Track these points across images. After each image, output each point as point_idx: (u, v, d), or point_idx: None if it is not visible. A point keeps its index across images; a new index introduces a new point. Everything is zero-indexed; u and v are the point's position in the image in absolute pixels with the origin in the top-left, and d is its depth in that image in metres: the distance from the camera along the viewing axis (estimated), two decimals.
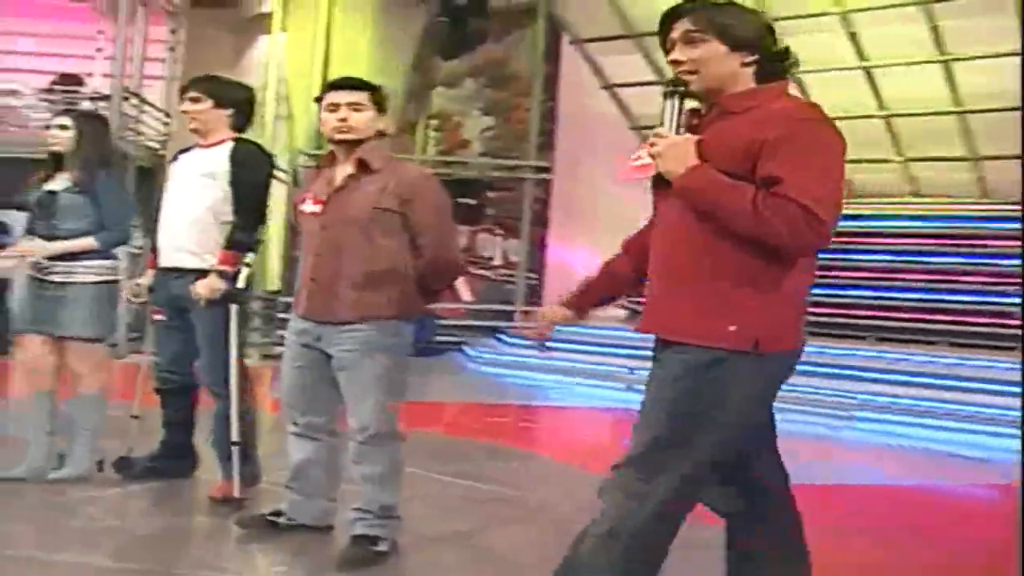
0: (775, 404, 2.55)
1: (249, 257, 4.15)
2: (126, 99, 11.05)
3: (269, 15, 13.26)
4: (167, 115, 12.41)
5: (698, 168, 2.34)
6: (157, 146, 12.31)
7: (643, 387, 2.48)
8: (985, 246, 10.39)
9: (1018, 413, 7.20)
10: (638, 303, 2.60)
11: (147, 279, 4.39)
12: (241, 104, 4.34)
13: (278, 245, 12.23)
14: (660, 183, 2.44)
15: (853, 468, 6.79)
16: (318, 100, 3.63)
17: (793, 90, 2.48)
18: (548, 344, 2.88)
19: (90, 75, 12.33)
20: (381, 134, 3.64)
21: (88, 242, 4.33)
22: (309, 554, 3.56)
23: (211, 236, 4.14)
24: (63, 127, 4.39)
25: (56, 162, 4.41)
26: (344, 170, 3.56)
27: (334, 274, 3.49)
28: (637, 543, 2.35)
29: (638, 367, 8.64)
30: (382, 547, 3.49)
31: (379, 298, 3.47)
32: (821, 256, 2.42)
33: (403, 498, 3.62)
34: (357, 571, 3.39)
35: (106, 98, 11.00)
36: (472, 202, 13.11)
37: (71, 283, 4.31)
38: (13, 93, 12.11)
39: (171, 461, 4.45)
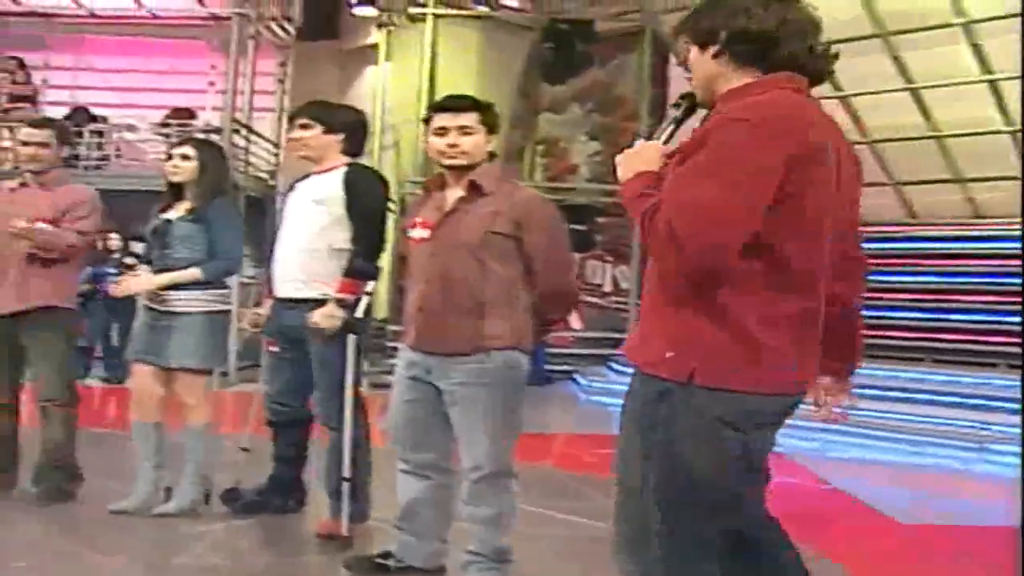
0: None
1: (369, 286, 3.98)
2: (236, 131, 11.25)
3: (374, 46, 13.39)
4: (276, 146, 12.61)
5: (637, 176, 2.07)
6: (267, 176, 12.52)
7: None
8: None
9: None
10: None
11: (266, 309, 4.30)
12: (352, 128, 4.22)
13: (386, 272, 12.23)
14: None
15: (983, 505, 6.32)
16: (426, 121, 3.48)
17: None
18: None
19: (202, 108, 12.60)
20: (492, 155, 3.47)
21: (194, 273, 4.28)
22: None
23: (323, 264, 4.00)
24: (185, 157, 4.34)
25: (174, 192, 4.39)
26: (454, 193, 3.39)
27: (444, 303, 3.30)
28: None
29: None
30: None
31: (492, 328, 3.27)
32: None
33: (516, 538, 3.42)
34: None
35: (217, 130, 11.23)
36: (581, 228, 12.91)
37: (181, 313, 4.26)
38: (131, 128, 12.47)
39: (278, 496, 4.35)
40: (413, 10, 13.03)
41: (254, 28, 11.67)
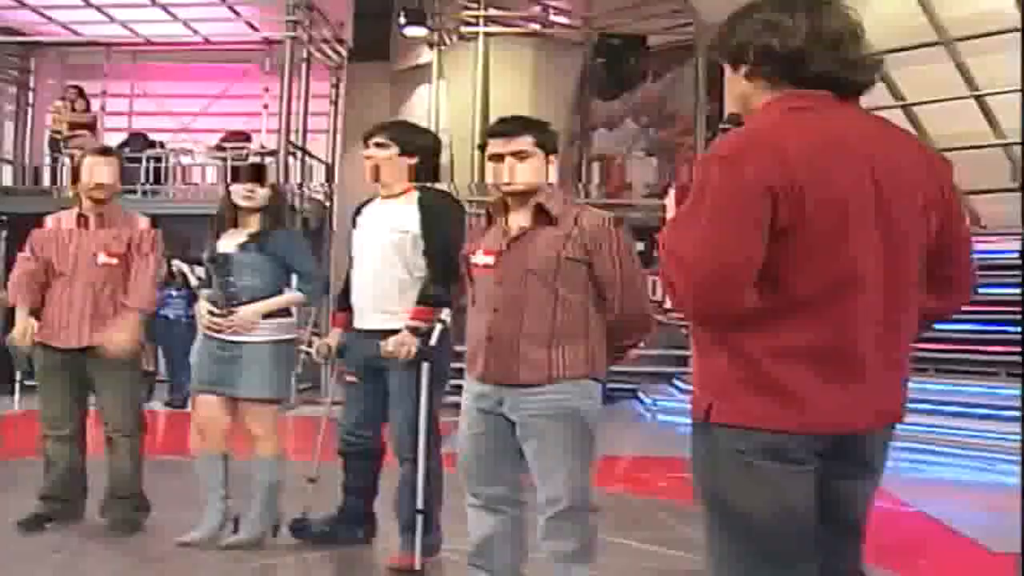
0: None
1: (444, 312, 3.89)
2: (292, 153, 11.29)
3: (427, 65, 13.39)
4: (331, 167, 12.66)
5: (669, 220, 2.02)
6: (322, 198, 12.57)
7: None
8: None
9: None
10: None
11: (334, 338, 4.24)
12: (426, 153, 4.14)
13: None
14: None
15: None
16: (481, 148, 3.37)
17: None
18: None
19: (257, 131, 12.70)
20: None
21: (296, 296, 4.31)
22: None
23: (412, 295, 3.94)
24: (259, 184, 4.29)
25: (227, 218, 4.33)
26: (518, 219, 3.28)
27: (515, 332, 3.18)
28: None
29: None
30: None
31: (566, 357, 3.16)
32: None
33: (593, 568, 3.27)
34: None
35: (272, 153, 11.29)
36: (640, 245, 12.74)
37: (250, 342, 4.22)
38: (188, 152, 12.60)
39: (348, 527, 4.27)
40: (464, 29, 13.01)
41: (306, 51, 11.73)
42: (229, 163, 11.10)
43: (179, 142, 12.81)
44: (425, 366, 3.83)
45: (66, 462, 4.47)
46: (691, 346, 2.08)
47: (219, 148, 12.27)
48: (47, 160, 12.67)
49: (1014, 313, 9.63)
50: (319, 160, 12.45)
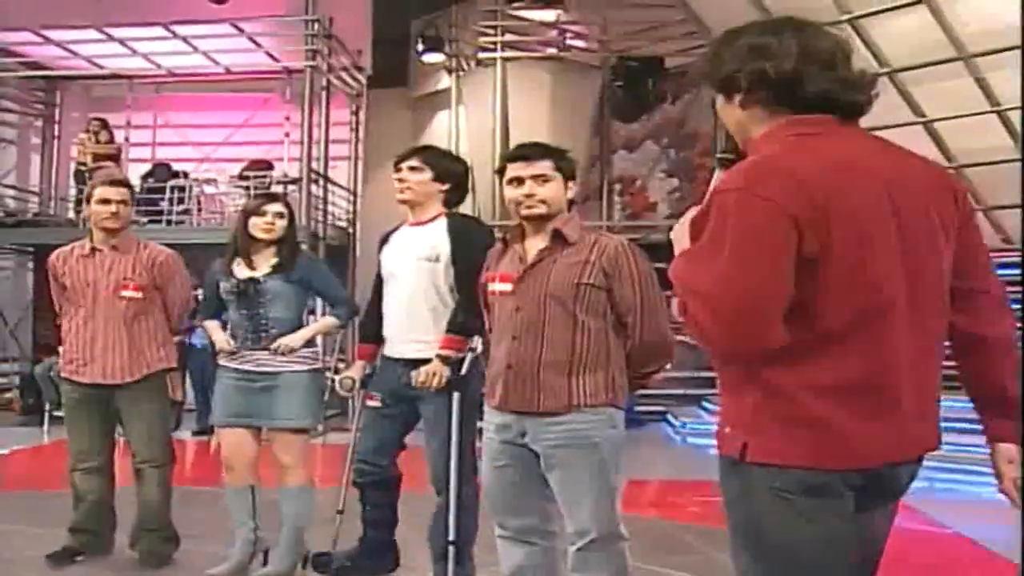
0: None
1: (475, 340, 3.85)
2: (314, 181, 11.35)
3: (446, 91, 13.45)
4: (353, 194, 12.72)
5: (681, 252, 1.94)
6: (345, 224, 12.62)
7: None
8: None
9: None
10: None
11: (358, 370, 4.22)
12: (458, 179, 4.12)
13: None
14: None
15: None
16: (500, 172, 3.36)
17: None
18: None
19: (279, 160, 12.78)
20: (571, 203, 3.33)
21: (331, 322, 4.39)
22: None
23: (444, 324, 3.89)
24: (280, 215, 4.28)
25: (241, 249, 4.28)
26: (535, 244, 3.26)
27: (534, 359, 3.15)
28: None
29: None
30: None
31: (587, 385, 3.14)
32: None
33: None
34: None
35: (295, 181, 11.34)
36: (664, 266, 12.67)
37: (282, 372, 4.21)
38: (211, 182, 12.69)
39: (371, 559, 4.23)
40: (482, 54, 13.06)
41: (326, 79, 11.81)
42: (252, 191, 11.16)
43: (202, 172, 12.91)
44: (456, 396, 3.78)
45: (95, 495, 4.48)
46: (719, 378, 2.03)
47: (242, 177, 12.35)
48: (72, 192, 12.80)
49: None
50: (341, 187, 12.51)
